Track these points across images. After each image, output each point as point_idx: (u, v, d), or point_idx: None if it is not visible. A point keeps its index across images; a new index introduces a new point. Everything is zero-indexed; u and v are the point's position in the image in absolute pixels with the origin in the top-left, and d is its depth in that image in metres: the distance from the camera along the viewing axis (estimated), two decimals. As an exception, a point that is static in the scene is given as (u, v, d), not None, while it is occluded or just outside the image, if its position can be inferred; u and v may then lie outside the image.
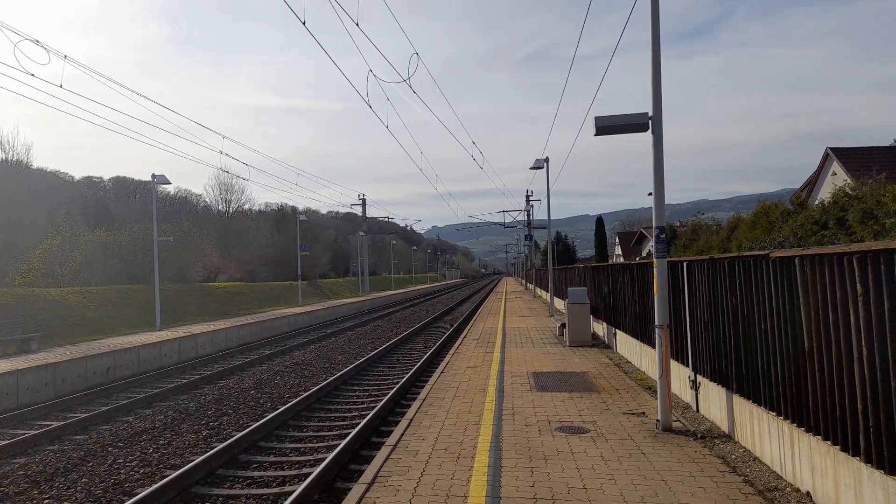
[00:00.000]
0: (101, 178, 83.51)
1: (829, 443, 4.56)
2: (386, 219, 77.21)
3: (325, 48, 14.11)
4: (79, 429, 10.19)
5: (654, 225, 7.37)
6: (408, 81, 15.09)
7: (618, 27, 9.06)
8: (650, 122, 7.29)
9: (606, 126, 7.65)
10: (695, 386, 7.88)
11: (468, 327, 20.88)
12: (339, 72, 15.05)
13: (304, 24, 11.21)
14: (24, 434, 9.74)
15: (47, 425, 10.44)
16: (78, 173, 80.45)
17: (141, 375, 15.27)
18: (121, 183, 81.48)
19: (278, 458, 8.26)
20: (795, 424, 5.08)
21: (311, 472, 7.10)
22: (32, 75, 12.93)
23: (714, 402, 7.21)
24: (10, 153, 30.55)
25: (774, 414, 5.46)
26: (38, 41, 12.40)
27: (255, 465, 8.01)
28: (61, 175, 71.47)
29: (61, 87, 13.47)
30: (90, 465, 8.23)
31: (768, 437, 5.66)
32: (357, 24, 12.52)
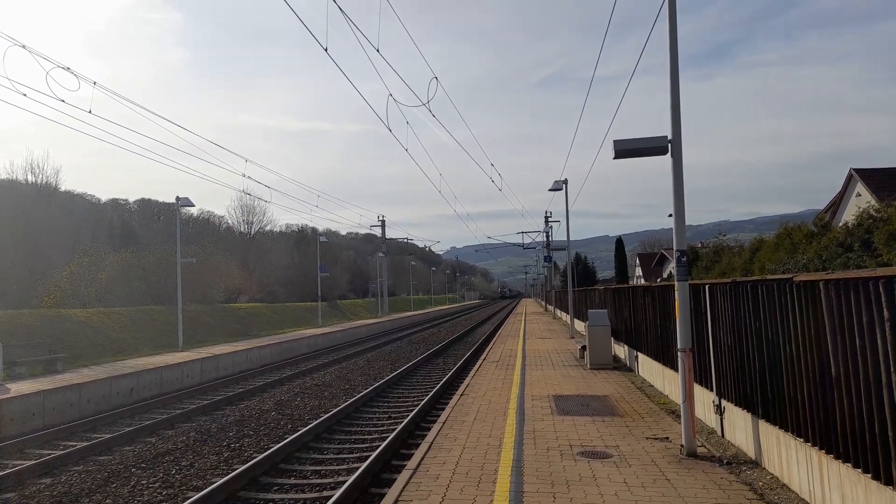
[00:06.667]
0: (126, 199, 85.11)
1: (860, 471, 4.46)
2: (405, 240, 77.50)
3: (346, 73, 14.39)
4: (103, 449, 10.31)
5: (674, 248, 7.34)
6: (427, 105, 15.29)
7: (636, 50, 9.13)
8: (669, 145, 7.31)
9: (626, 149, 7.67)
10: (719, 410, 7.77)
11: (488, 349, 20.79)
12: (359, 95, 15.33)
13: (325, 50, 11.45)
14: (50, 454, 9.87)
15: (72, 446, 10.57)
16: (104, 195, 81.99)
17: (164, 396, 15.42)
18: (146, 205, 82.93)
19: (299, 481, 8.27)
20: (824, 451, 4.98)
21: (332, 496, 7.09)
22: (63, 101, 13.35)
23: (739, 427, 7.10)
24: (40, 177, 31.39)
25: (802, 440, 5.37)
26: (69, 68, 12.81)
27: (276, 488, 8.03)
28: (88, 197, 73.00)
29: (90, 112, 13.89)
30: (114, 486, 8.31)
31: (796, 463, 5.55)
32: (378, 50, 12.76)
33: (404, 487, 6.02)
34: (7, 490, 8.30)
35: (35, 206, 30.59)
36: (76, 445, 10.45)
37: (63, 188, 47.69)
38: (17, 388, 13.21)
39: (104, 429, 12.17)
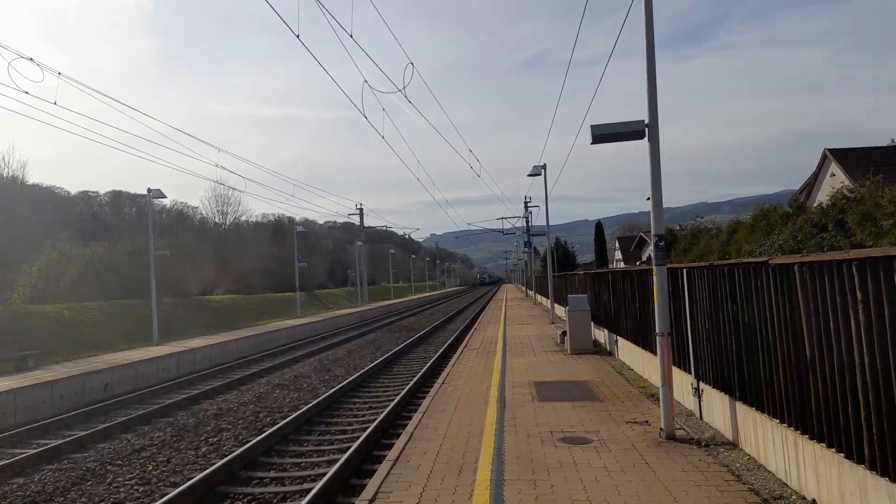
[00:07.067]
0: (97, 192, 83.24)
1: (833, 450, 4.52)
2: (384, 227, 77.32)
3: (319, 60, 14.15)
4: (77, 447, 10.09)
5: (652, 232, 7.36)
6: (403, 91, 15.13)
7: (615, 31, 9.08)
8: (647, 129, 7.29)
9: (603, 134, 7.65)
10: (698, 393, 7.84)
11: (468, 336, 20.83)
12: (333, 81, 15.10)
13: (297, 37, 11.24)
14: (23, 453, 9.63)
15: (45, 444, 10.33)
16: (74, 188, 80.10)
17: (139, 391, 15.16)
18: (117, 197, 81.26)
19: (279, 474, 8.19)
20: (799, 432, 5.03)
21: (313, 488, 7.02)
22: (27, 93, 12.94)
23: (717, 409, 7.17)
24: (6, 170, 30.55)
25: (778, 421, 5.43)
26: (32, 59, 12.40)
27: (255, 482, 7.93)
28: (57, 190, 71.26)
29: (55, 104, 13.49)
30: (89, 483, 8.15)
31: (772, 444, 5.61)
32: (351, 36, 12.55)
33: (384, 478, 5.98)
34: (-23, 492, 8.09)
35: (1, 199, 29.75)
36: (49, 443, 10.21)
37: (31, 181, 46.51)
38: (-13, 387, 12.87)
39: (78, 426, 11.92)
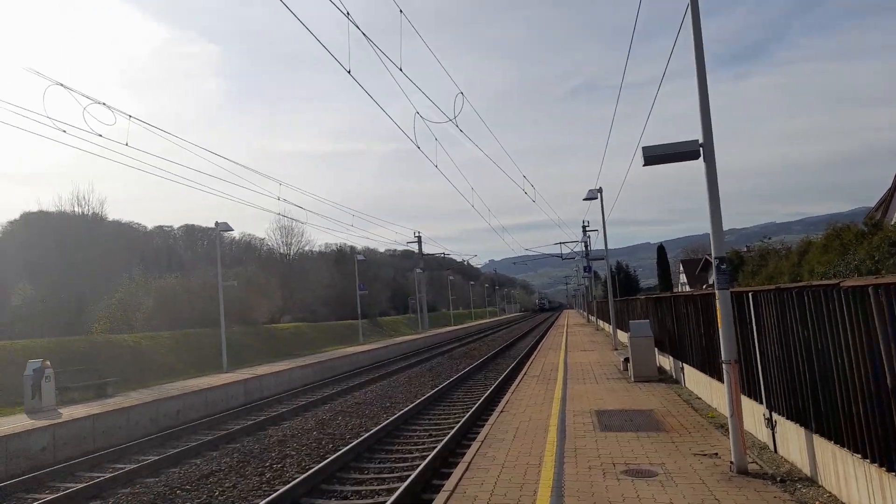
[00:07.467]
0: (171, 226, 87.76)
1: (923, 489, 4.18)
2: (442, 255, 77.66)
3: (371, 94, 14.58)
4: (150, 472, 10.50)
5: (713, 255, 7.11)
6: (454, 121, 15.34)
7: (667, 53, 8.96)
8: (701, 149, 7.10)
9: (655, 156, 7.48)
10: (771, 424, 7.43)
11: (528, 363, 20.52)
12: (385, 113, 15.50)
13: (349, 72, 11.61)
14: (99, 477, 10.11)
15: (121, 468, 10.80)
16: (150, 223, 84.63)
17: (209, 417, 15.68)
18: (189, 231, 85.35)
19: (340, 502, 8.25)
20: (885, 469, 4.68)
21: (372, 518, 7.04)
22: (100, 135, 13.88)
23: (793, 441, 6.76)
24: (87, 208, 32.68)
25: (860, 456, 5.06)
26: (104, 103, 13.31)
27: (316, 510, 8.02)
28: (135, 226, 75.46)
29: (127, 144, 14.40)
30: (159, 509, 8.45)
31: (854, 481, 5.24)
32: (401, 69, 12.86)
33: (442, 510, 5.92)
34: (58, 514, 8.52)
35: (83, 235, 31.76)
36: (124, 468, 10.68)
37: (111, 218, 49.52)
38: (69, 412, 13.62)
39: (151, 451, 12.42)
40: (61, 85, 12.94)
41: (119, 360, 21.26)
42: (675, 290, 69.27)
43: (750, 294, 7.74)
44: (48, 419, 12.73)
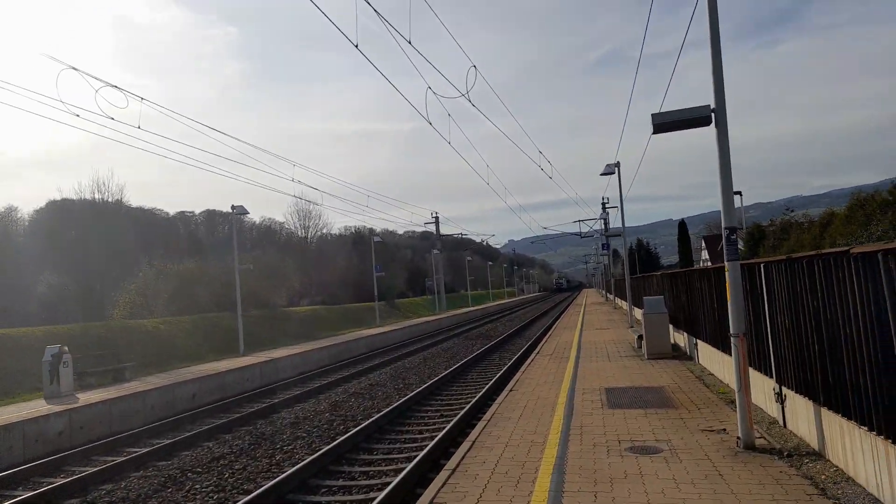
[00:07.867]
0: (192, 212, 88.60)
1: (932, 463, 3.99)
2: (460, 235, 77.31)
3: (384, 72, 14.37)
4: (163, 455, 10.63)
5: (722, 225, 6.87)
6: (466, 95, 15.05)
7: (686, 24, 8.63)
8: (713, 114, 6.83)
9: (664, 122, 7.22)
10: (780, 399, 7.23)
11: (543, 342, 20.41)
12: (395, 88, 15.29)
13: (356, 46, 11.40)
14: (113, 461, 10.25)
15: (135, 452, 10.94)
16: (172, 209, 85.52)
17: (224, 400, 15.84)
18: (210, 216, 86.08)
19: (346, 483, 8.27)
20: (891, 441, 4.49)
21: (376, 497, 7.03)
22: (112, 118, 13.87)
23: (802, 416, 6.57)
24: (107, 194, 33.11)
25: (867, 429, 4.87)
26: (116, 86, 13.29)
27: (323, 490, 8.04)
28: (157, 212, 76.32)
29: (139, 127, 14.38)
30: (169, 490, 8.53)
31: (861, 454, 5.05)
32: (409, 42, 12.59)
33: (440, 489, 5.86)
34: (71, 496, 8.66)
35: (105, 223, 32.21)
36: (138, 451, 10.82)
37: (133, 204, 50.11)
38: (86, 397, 13.85)
39: (165, 434, 12.57)
40: (74, 69, 12.94)
41: (138, 344, 21.57)
42: (696, 265, 68.38)
43: (762, 265, 7.51)
44: (66, 404, 12.95)
